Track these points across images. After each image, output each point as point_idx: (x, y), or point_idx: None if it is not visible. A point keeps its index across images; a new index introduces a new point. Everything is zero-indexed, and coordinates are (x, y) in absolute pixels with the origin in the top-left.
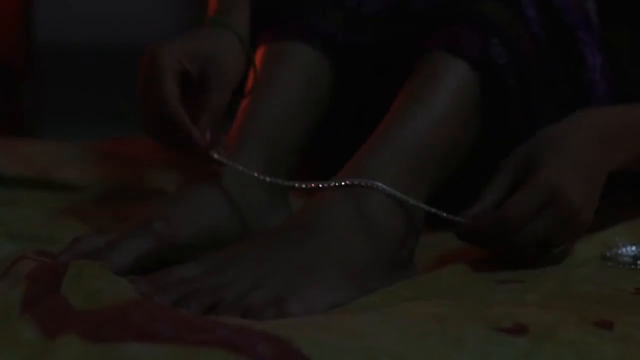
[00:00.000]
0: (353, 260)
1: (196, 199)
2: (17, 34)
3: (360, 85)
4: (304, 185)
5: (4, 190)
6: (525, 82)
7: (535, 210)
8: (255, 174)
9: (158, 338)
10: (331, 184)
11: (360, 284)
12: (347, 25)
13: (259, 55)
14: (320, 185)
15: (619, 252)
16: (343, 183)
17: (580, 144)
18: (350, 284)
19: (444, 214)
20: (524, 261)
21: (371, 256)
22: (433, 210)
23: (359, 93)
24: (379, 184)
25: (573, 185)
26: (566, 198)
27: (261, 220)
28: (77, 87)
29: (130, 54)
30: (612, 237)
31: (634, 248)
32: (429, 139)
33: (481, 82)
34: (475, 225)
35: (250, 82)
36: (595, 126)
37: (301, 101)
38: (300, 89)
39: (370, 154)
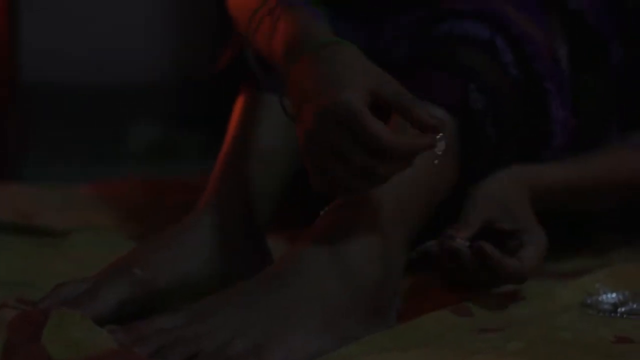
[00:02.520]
0: (332, 308)
1: (176, 244)
2: (2, 73)
3: None
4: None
5: None
6: (502, 127)
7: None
8: None
9: None
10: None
11: (339, 332)
12: None
13: (239, 103)
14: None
15: (600, 299)
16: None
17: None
18: (330, 332)
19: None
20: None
21: (350, 304)
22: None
23: None
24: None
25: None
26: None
27: (241, 265)
28: (63, 127)
29: (119, 95)
30: (593, 284)
31: (614, 295)
32: (409, 186)
33: (459, 127)
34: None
35: None
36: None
37: (280, 148)
38: (279, 137)
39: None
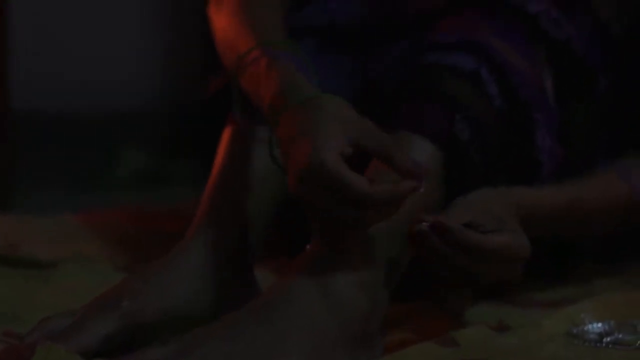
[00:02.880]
0: (321, 338)
1: (164, 276)
2: None
3: None
4: None
5: None
6: (487, 156)
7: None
8: None
9: None
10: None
11: None
12: None
13: (227, 132)
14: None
15: (585, 329)
16: None
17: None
18: None
19: None
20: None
21: (339, 334)
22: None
23: None
24: None
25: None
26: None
27: (229, 296)
28: (51, 155)
29: (108, 122)
30: (578, 314)
31: (600, 325)
32: (394, 217)
33: (446, 156)
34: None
35: None
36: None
37: (268, 177)
38: (267, 165)
39: None
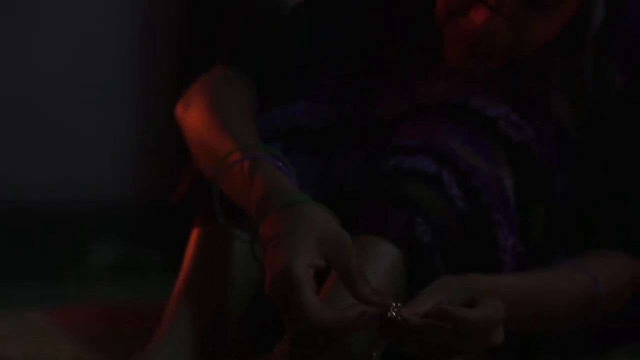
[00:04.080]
0: None
1: None
2: None
3: None
4: None
5: None
6: (450, 257)
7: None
8: None
9: None
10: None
11: None
12: None
13: (195, 233)
14: None
15: None
16: None
17: None
18: None
19: None
20: None
21: None
22: None
23: None
24: None
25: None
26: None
27: None
28: (18, 250)
29: (77, 214)
30: None
31: None
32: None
33: (409, 258)
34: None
35: None
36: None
37: (237, 278)
38: (235, 267)
39: None
